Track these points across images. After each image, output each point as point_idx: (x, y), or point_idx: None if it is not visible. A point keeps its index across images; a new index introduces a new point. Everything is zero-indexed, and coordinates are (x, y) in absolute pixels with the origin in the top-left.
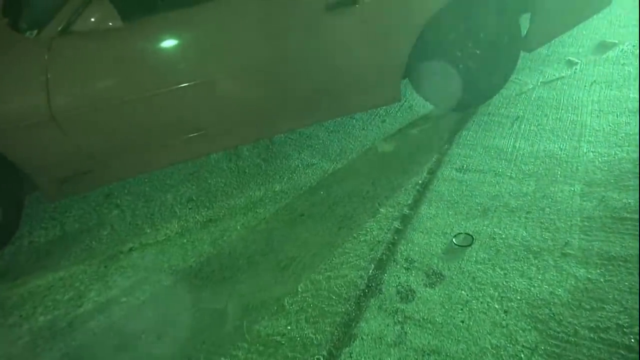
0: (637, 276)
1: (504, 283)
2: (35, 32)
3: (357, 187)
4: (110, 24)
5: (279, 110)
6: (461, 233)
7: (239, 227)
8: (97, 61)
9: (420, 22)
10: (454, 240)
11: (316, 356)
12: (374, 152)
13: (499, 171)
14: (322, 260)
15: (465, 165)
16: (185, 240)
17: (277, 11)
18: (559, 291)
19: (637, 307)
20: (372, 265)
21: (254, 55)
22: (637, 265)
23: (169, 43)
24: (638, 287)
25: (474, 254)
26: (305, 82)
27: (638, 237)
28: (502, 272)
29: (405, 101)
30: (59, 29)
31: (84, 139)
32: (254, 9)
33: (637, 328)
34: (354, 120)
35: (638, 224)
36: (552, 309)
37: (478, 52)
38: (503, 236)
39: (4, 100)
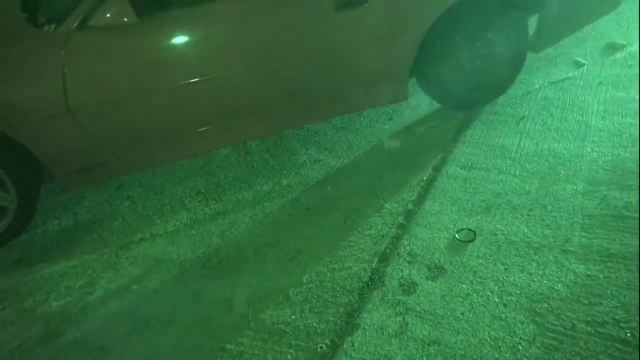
0: (637, 273)
1: (505, 277)
2: (52, 27)
3: (363, 183)
4: (126, 19)
5: (288, 107)
6: (464, 229)
7: (246, 220)
8: (112, 56)
9: (427, 21)
10: (456, 235)
11: (319, 344)
12: (380, 149)
13: (502, 169)
14: (327, 253)
15: (469, 163)
16: (194, 232)
17: (288, 10)
18: (558, 286)
19: (636, 303)
20: (376, 259)
21: (264, 53)
22: (637, 263)
23: (182, 39)
24: (638, 284)
25: (476, 249)
26: (314, 79)
27: (638, 236)
28: (502, 267)
29: (412, 100)
30: (76, 24)
31: (99, 131)
32: (265, 7)
33: (634, 323)
34: (361, 118)
35: (638, 222)
36: (551, 303)
37: (485, 51)
38: (505, 232)
39: (22, 92)
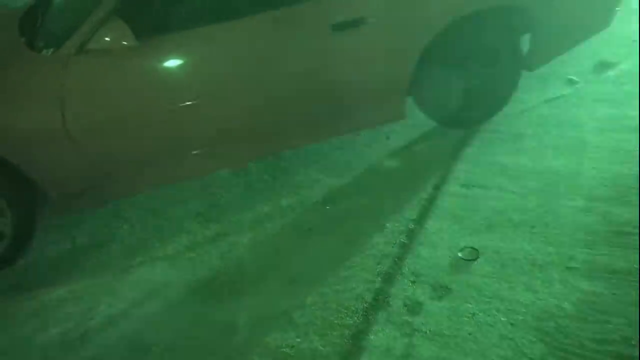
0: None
1: (510, 296)
2: (51, 50)
3: (364, 202)
4: (125, 42)
5: (286, 128)
6: (467, 247)
7: (247, 241)
8: (111, 79)
9: (423, 41)
10: (459, 254)
11: None
12: (379, 168)
13: (502, 187)
14: (329, 274)
15: (469, 181)
16: (194, 254)
17: (286, 32)
18: (564, 304)
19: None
20: (379, 279)
21: (262, 75)
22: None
23: (181, 61)
24: (638, 299)
25: (480, 268)
26: (312, 100)
27: (639, 252)
28: (507, 286)
29: (409, 118)
30: (75, 48)
31: (98, 154)
32: (263, 29)
33: None
34: (359, 137)
35: (639, 239)
36: (559, 321)
37: (480, 70)
38: (508, 250)
39: (20, 116)
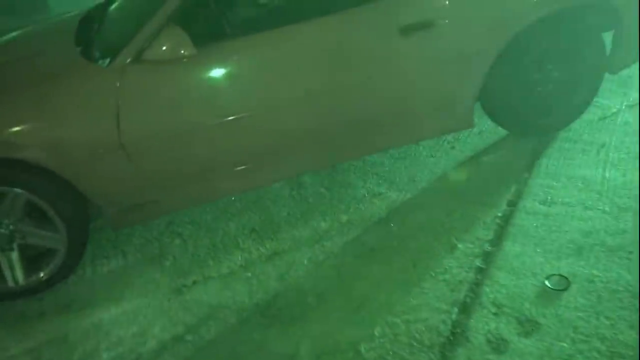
0: None
1: (612, 335)
2: (107, 61)
3: (430, 219)
4: (183, 51)
5: (347, 137)
6: (555, 274)
7: (305, 262)
8: (168, 89)
9: (500, 45)
10: (547, 282)
11: None
12: (445, 181)
13: (588, 204)
14: (398, 301)
15: (549, 197)
16: (250, 274)
17: (349, 37)
18: None
19: None
20: (455, 309)
21: (326, 82)
22: None
23: (242, 69)
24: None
25: (572, 300)
26: (375, 108)
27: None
28: (608, 322)
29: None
30: (131, 57)
31: (152, 168)
32: (327, 34)
33: None
34: (421, 147)
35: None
36: None
37: (559, 73)
38: (604, 279)
39: (74, 130)
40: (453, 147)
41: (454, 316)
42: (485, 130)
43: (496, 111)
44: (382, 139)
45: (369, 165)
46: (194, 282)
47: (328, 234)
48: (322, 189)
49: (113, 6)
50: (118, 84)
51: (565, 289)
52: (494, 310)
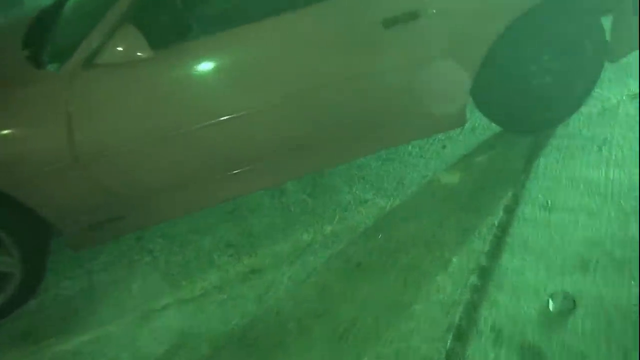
0: None
1: None
2: (56, 65)
3: (421, 230)
4: (139, 53)
5: (330, 141)
6: (559, 293)
7: (286, 280)
8: (126, 96)
9: (492, 35)
10: (550, 302)
11: None
12: (436, 185)
13: (593, 210)
14: (387, 327)
15: (550, 202)
16: (225, 296)
17: (328, 31)
18: None
19: None
20: (450, 335)
21: (303, 81)
22: None
23: (205, 71)
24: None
25: (580, 324)
26: (360, 108)
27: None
28: (621, 353)
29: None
30: (82, 61)
31: (113, 182)
32: (302, 29)
33: None
34: (410, 147)
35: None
36: None
37: (555, 64)
38: (614, 299)
39: (22, 145)
40: (444, 147)
41: (449, 344)
42: (478, 126)
43: (490, 106)
44: (369, 142)
45: (355, 168)
46: (164, 307)
47: (311, 248)
48: (305, 195)
49: (67, 5)
50: (68, 92)
51: (571, 311)
52: (492, 336)
